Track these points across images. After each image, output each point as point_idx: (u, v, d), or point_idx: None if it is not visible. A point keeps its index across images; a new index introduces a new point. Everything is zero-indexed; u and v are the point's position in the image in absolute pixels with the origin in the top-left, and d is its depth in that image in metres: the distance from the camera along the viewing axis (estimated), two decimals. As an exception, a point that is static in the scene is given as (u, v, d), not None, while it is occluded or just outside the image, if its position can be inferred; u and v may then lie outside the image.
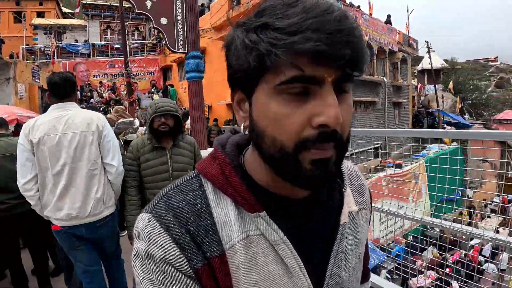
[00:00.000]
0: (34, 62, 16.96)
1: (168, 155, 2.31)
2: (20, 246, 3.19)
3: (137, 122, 4.62)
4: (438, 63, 23.81)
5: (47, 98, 2.06)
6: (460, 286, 2.91)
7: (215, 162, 0.53)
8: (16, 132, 3.75)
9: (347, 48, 0.41)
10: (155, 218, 0.48)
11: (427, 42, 19.21)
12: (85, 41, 22.18)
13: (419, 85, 21.98)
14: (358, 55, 0.43)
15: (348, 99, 0.47)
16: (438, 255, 5.55)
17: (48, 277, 3.22)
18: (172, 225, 0.47)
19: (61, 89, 2.01)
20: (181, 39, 5.49)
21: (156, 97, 16.06)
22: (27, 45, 20.87)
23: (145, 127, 5.05)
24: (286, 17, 0.42)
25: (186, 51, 5.39)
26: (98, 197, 2.06)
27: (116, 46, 20.64)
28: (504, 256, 6.96)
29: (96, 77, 19.69)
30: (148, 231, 0.47)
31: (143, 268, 0.48)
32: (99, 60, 20.35)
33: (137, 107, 13.97)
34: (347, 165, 0.68)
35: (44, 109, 2.84)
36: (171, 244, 0.46)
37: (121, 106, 5.35)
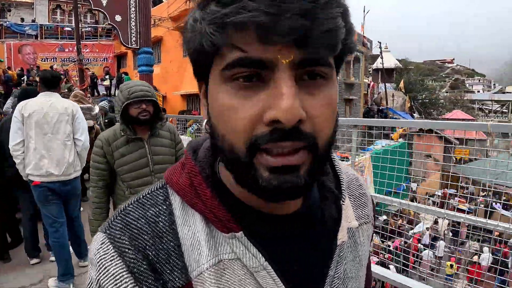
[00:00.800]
0: (-25, 42, 16.74)
1: (147, 146, 2.18)
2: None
3: (96, 108, 5.10)
4: (392, 62, 26.15)
5: (38, 88, 3.07)
6: (396, 269, 3.60)
7: (185, 171, 0.48)
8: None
9: (300, 18, 0.33)
10: (109, 240, 0.43)
11: (379, 42, 21.26)
12: (32, 21, 21.86)
13: (372, 83, 24.19)
14: (321, 27, 0.35)
15: (326, 88, 0.39)
16: (380, 242, 6.74)
17: (7, 248, 3.82)
18: (127, 250, 0.42)
19: (50, 83, 3.01)
20: (134, 36, 6.47)
21: (107, 82, 16.56)
22: (-34, 22, 20.30)
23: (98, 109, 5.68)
24: None
25: (138, 47, 6.40)
26: (70, 162, 3.07)
27: (67, 28, 20.65)
28: (441, 243, 8.43)
29: (45, 61, 19.65)
30: (100, 256, 0.43)
31: None
32: (48, 42, 20.29)
33: (89, 95, 14.45)
34: (346, 171, 0.60)
35: (19, 94, 3.62)
36: (124, 273, 0.41)
37: (80, 91, 5.84)
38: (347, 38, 0.39)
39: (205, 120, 0.46)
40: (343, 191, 0.54)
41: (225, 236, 0.44)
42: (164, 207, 0.46)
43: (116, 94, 2.20)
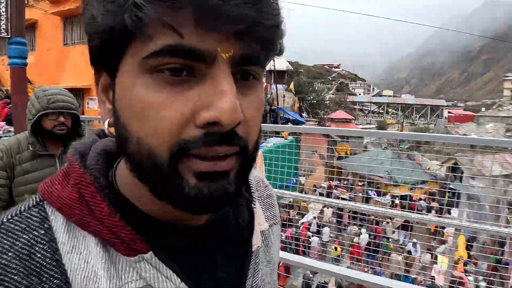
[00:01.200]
0: None
1: (58, 164, 1.94)
2: None
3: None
4: (284, 65, 28.47)
5: None
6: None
7: (69, 181, 0.40)
8: None
9: (248, 8, 0.31)
10: None
11: (272, 45, 23.02)
12: None
13: (265, 84, 26.05)
14: (267, 21, 0.33)
15: (257, 89, 0.38)
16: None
17: None
18: None
19: None
20: (4, 23, 6.02)
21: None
22: None
23: None
24: None
25: (10, 36, 5.99)
26: None
27: None
28: (326, 230, 9.54)
29: None
30: None
31: None
32: None
33: None
34: (253, 173, 0.57)
35: None
36: None
37: None
38: (281, 38, 0.37)
39: (107, 120, 0.40)
40: (253, 193, 0.53)
41: (129, 260, 0.38)
42: (42, 232, 0.37)
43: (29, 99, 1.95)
